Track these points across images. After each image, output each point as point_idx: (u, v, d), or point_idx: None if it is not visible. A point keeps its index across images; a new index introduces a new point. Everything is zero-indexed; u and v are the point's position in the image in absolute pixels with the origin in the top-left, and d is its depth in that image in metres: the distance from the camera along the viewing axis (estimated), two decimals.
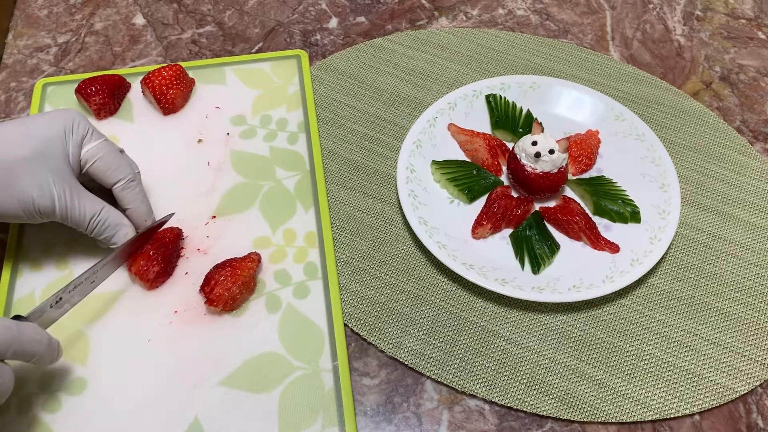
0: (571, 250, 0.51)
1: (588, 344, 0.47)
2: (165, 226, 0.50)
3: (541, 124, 0.54)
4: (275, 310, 0.48)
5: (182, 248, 0.51)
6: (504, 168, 0.56)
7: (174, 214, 0.51)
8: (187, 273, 0.49)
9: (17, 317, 0.40)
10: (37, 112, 0.59)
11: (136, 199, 0.48)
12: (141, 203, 0.48)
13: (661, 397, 0.45)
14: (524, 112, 0.59)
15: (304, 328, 0.47)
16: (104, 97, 0.57)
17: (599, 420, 0.44)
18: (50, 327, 0.43)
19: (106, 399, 0.44)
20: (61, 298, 0.43)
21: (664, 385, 0.46)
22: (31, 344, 0.39)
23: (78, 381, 0.44)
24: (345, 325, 0.48)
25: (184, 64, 0.62)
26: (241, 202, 0.53)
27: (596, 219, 0.52)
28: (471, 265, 0.49)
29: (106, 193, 0.48)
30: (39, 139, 0.44)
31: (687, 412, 0.44)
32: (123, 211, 0.48)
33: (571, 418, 0.44)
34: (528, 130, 0.57)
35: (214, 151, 0.57)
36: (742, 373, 0.46)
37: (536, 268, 0.49)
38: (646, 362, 0.47)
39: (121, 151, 0.49)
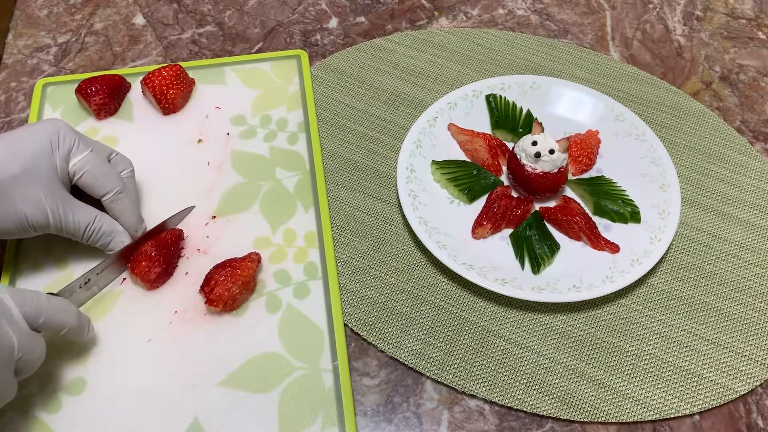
0: (571, 250, 0.51)
1: (588, 344, 0.47)
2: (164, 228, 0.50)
3: (541, 124, 0.54)
4: (275, 310, 0.48)
5: (182, 248, 0.51)
6: (504, 168, 0.56)
7: (194, 207, 0.53)
8: (187, 273, 0.49)
9: (48, 294, 0.41)
10: (37, 113, 0.59)
11: (126, 210, 0.48)
12: (130, 214, 0.49)
13: (661, 397, 0.45)
14: (524, 112, 0.59)
15: (304, 328, 0.47)
16: (104, 97, 0.57)
17: (599, 420, 0.44)
18: None
19: (106, 399, 0.44)
20: (89, 279, 0.46)
21: (664, 385, 0.46)
22: (61, 315, 0.41)
23: (78, 381, 0.44)
24: (345, 325, 0.48)
25: (184, 64, 0.62)
26: (241, 202, 0.53)
27: (596, 219, 0.52)
28: (471, 265, 0.49)
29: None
30: (26, 156, 0.44)
31: (687, 412, 0.44)
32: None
33: (571, 418, 0.44)
34: (528, 130, 0.57)
35: (214, 151, 0.57)
36: (742, 373, 0.46)
37: (536, 268, 0.49)
38: (646, 362, 0.47)
39: (115, 154, 0.49)
